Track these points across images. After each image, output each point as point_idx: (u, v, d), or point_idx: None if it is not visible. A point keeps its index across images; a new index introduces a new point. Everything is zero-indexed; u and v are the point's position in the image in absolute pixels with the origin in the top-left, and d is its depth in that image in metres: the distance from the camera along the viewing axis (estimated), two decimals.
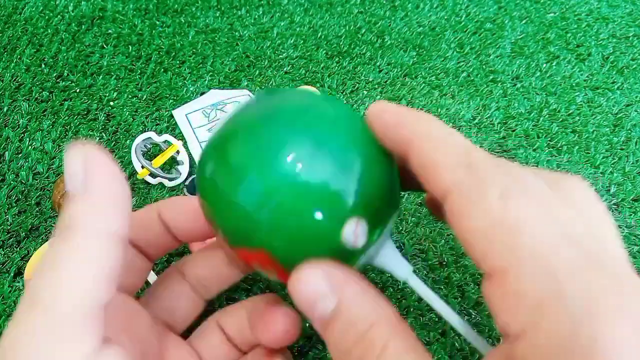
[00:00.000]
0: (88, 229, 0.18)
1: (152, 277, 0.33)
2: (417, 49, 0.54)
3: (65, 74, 0.50)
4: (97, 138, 0.45)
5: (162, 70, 0.50)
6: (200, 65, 0.51)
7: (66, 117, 0.46)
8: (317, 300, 0.19)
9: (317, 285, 0.19)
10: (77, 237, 0.18)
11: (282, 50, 0.53)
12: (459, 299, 0.36)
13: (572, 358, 0.13)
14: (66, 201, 0.19)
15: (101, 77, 0.49)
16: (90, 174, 0.19)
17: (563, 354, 0.13)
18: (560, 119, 0.48)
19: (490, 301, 0.16)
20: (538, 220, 0.16)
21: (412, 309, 0.35)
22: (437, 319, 0.35)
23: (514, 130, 0.47)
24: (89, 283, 0.17)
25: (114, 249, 0.18)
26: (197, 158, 0.43)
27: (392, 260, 0.22)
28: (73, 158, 0.19)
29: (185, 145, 0.44)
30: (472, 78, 0.51)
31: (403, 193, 0.42)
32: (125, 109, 0.47)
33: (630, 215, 0.41)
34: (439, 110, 0.48)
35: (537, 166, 0.44)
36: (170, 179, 0.41)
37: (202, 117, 0.46)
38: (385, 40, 0.55)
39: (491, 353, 0.17)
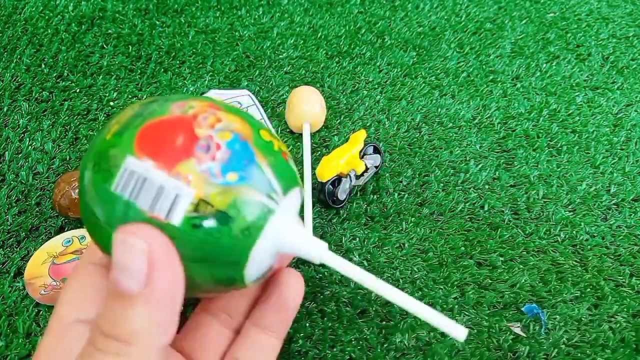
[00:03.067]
0: (146, 346, 0.17)
1: None
2: (417, 49, 0.54)
3: (65, 74, 0.50)
4: None
5: (162, 70, 0.50)
6: (200, 65, 0.51)
7: (66, 117, 0.46)
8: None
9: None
10: (135, 355, 0.17)
11: (282, 50, 0.53)
12: (459, 298, 0.36)
13: None
14: (119, 297, 0.17)
15: (101, 77, 0.49)
16: (157, 275, 0.17)
17: None
18: (560, 119, 0.48)
19: None
20: None
21: None
22: None
23: (514, 130, 0.47)
24: None
25: (163, 358, 0.18)
26: None
27: (301, 243, 0.21)
28: (135, 247, 0.17)
29: None
30: (472, 78, 0.51)
31: (403, 193, 0.42)
32: None
33: (630, 215, 0.41)
34: (439, 110, 0.48)
35: (537, 166, 0.44)
36: None
37: None
38: (385, 40, 0.55)
39: None
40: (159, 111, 0.19)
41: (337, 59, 0.52)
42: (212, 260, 0.19)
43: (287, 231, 0.20)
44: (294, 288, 0.24)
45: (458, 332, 0.19)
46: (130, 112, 0.20)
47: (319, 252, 0.21)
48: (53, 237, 0.38)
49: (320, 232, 0.39)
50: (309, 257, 0.21)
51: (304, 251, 0.21)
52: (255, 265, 0.20)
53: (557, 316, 0.35)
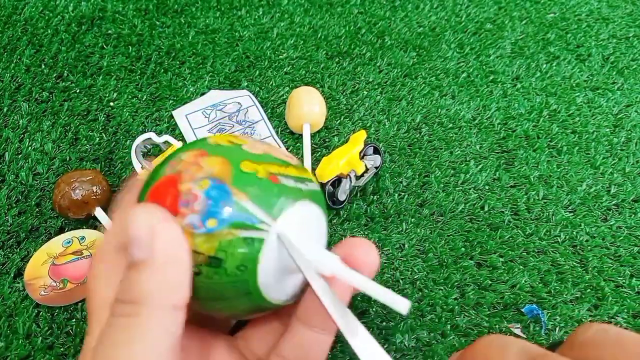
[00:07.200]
0: (156, 305, 0.18)
1: None
2: (417, 50, 0.54)
3: (65, 75, 0.50)
4: (97, 139, 0.45)
5: (162, 70, 0.50)
6: (200, 65, 0.51)
7: (66, 118, 0.46)
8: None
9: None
10: (146, 314, 0.18)
11: (282, 51, 0.53)
12: (459, 299, 0.36)
13: None
14: (131, 267, 0.19)
15: (101, 77, 0.49)
16: (157, 241, 0.19)
17: None
18: (561, 120, 0.48)
19: None
20: None
21: (412, 310, 0.35)
22: (437, 320, 0.35)
23: (514, 131, 0.47)
24: (160, 357, 0.18)
25: (178, 319, 0.19)
26: None
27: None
28: (139, 222, 0.19)
29: None
30: (472, 78, 0.51)
31: (403, 194, 0.42)
32: (125, 110, 0.47)
33: (631, 216, 0.41)
34: (439, 110, 0.48)
35: (537, 167, 0.44)
36: None
37: (202, 117, 0.46)
38: (385, 40, 0.55)
39: None
40: (159, 173, 0.21)
41: (337, 60, 0.52)
42: (225, 297, 0.21)
43: (292, 250, 0.21)
44: (338, 286, 0.23)
45: (401, 304, 0.20)
46: (146, 179, 0.22)
47: (329, 266, 0.21)
48: (53, 237, 0.38)
49: None
50: (321, 271, 0.21)
51: (315, 265, 0.21)
52: (276, 289, 0.21)
53: (558, 317, 0.35)
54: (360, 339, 0.19)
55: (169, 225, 0.19)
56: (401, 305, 0.19)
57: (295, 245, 0.21)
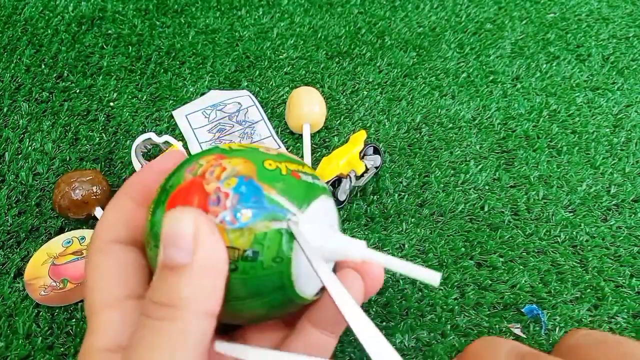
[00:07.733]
0: (192, 310, 0.18)
1: None
2: (417, 50, 0.54)
3: (65, 75, 0.50)
4: (97, 139, 0.45)
5: (162, 70, 0.50)
6: (200, 65, 0.51)
7: (66, 118, 0.46)
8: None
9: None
10: (184, 319, 0.18)
11: (282, 51, 0.53)
12: (459, 299, 0.36)
13: None
14: (168, 268, 0.19)
15: (101, 77, 0.49)
16: (200, 246, 0.19)
17: None
18: (561, 120, 0.48)
19: None
20: None
21: (412, 310, 0.35)
22: (437, 320, 0.35)
23: (514, 131, 0.47)
24: None
25: (211, 326, 0.19)
26: None
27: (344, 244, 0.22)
28: (183, 225, 0.19)
29: (185, 146, 0.44)
30: (472, 79, 0.51)
31: (403, 194, 0.42)
32: (125, 110, 0.47)
33: (630, 216, 0.41)
34: (439, 110, 0.48)
35: (537, 167, 0.44)
36: None
37: (202, 117, 0.46)
38: (385, 40, 0.55)
39: None
40: (176, 181, 0.21)
41: (337, 60, 0.52)
42: (259, 292, 0.21)
43: (318, 241, 0.22)
44: (351, 288, 0.23)
45: (432, 276, 0.20)
46: (159, 189, 0.22)
47: (358, 250, 0.22)
48: (53, 237, 0.38)
49: None
50: (350, 257, 0.22)
51: (343, 253, 0.22)
52: (306, 281, 0.22)
53: (558, 317, 0.35)
54: (371, 339, 0.20)
55: (212, 231, 0.19)
56: (433, 277, 0.20)
57: (319, 237, 0.22)
